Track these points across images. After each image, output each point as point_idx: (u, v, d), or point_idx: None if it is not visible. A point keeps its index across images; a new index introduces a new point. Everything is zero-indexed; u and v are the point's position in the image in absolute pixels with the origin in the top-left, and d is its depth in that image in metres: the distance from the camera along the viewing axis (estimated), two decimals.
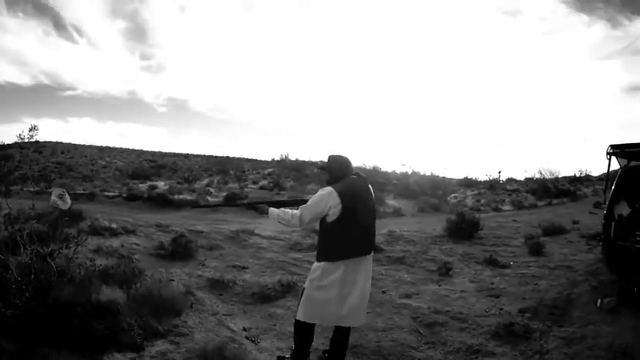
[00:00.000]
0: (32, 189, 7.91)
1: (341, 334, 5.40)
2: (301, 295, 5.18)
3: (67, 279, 7.31)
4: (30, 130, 7.25)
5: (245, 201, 6.37)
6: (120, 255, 10.33)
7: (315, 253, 5.22)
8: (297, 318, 5.15)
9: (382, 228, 14.29)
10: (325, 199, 4.72)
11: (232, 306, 8.04)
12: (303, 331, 5.32)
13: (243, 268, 10.25)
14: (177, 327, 6.52)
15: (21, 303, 6.44)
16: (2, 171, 7.61)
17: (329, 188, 4.78)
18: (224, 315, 7.50)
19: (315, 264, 5.11)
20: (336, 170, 5.15)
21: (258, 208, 5.58)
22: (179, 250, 10.70)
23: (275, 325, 7.34)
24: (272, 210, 5.20)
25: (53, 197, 7.58)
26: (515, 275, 9.72)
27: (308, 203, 4.88)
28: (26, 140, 7.30)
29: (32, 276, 6.87)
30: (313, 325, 5.29)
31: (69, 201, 8.01)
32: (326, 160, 5.26)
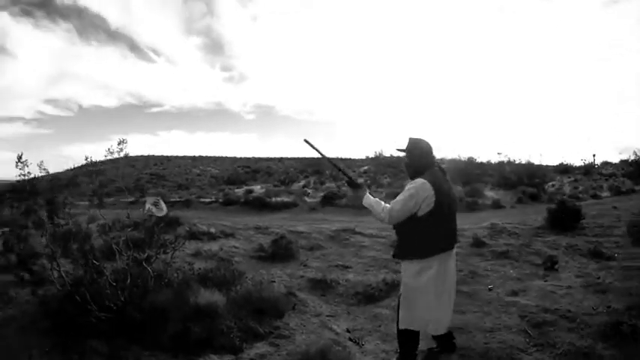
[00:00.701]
0: (127, 199, 8.04)
1: (447, 338, 5.18)
2: (398, 301, 4.89)
3: (165, 283, 7.33)
4: (119, 143, 7.34)
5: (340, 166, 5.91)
6: (219, 258, 10.34)
7: (396, 251, 4.95)
8: (400, 327, 4.86)
9: (483, 220, 13.63)
10: (419, 193, 4.36)
11: (335, 307, 7.70)
12: (408, 338, 4.99)
13: (346, 267, 9.88)
14: (278, 329, 6.29)
15: (116, 307, 6.48)
16: (95, 184, 7.79)
17: (421, 180, 4.42)
18: (327, 316, 7.16)
19: (405, 264, 4.80)
20: (418, 158, 4.72)
21: (353, 183, 5.10)
22: (280, 252, 10.55)
23: (380, 326, 6.89)
24: (368, 197, 4.83)
25: (147, 205, 7.80)
26: (620, 268, 8.74)
27: (398, 198, 4.50)
28: (115, 154, 7.33)
29: (128, 281, 6.94)
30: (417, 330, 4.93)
31: (164, 208, 8.06)
32: (406, 144, 4.80)
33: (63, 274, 6.83)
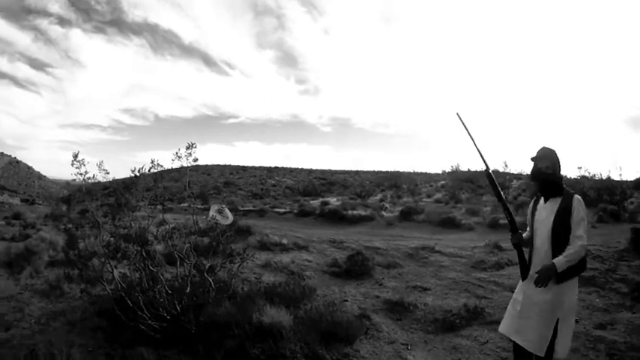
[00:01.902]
0: (195, 206, 7.86)
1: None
2: (556, 327, 4.49)
3: (228, 295, 7.04)
4: (187, 147, 7.12)
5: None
6: (290, 271, 10.02)
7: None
8: (562, 357, 4.50)
9: None
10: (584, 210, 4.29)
11: (412, 334, 7.07)
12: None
13: (425, 289, 9.19)
14: (347, 356, 5.80)
15: (170, 316, 6.22)
16: (160, 188, 7.63)
17: (577, 197, 4.30)
18: (402, 344, 6.57)
19: (571, 283, 4.46)
20: (559, 169, 4.44)
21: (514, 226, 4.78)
22: (355, 268, 10.03)
23: (460, 359, 6.22)
24: (559, 261, 4.18)
25: (212, 212, 7.60)
26: None
27: (581, 227, 4.24)
28: (184, 158, 7.13)
29: (187, 289, 6.67)
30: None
31: (230, 216, 7.77)
32: (542, 154, 4.46)
33: (117, 277, 6.70)
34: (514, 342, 4.80)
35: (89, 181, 6.72)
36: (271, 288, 7.61)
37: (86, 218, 7.11)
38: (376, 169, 54.62)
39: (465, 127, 4.64)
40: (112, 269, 6.63)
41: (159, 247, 7.83)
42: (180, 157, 7.14)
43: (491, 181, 4.84)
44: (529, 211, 4.85)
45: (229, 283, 7.54)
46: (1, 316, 7.41)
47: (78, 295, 8.07)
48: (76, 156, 6.61)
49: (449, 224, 17.48)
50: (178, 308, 6.45)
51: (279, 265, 10.18)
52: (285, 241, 12.50)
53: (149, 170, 7.11)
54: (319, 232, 15.61)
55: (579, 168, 26.46)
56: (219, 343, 5.48)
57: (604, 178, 25.12)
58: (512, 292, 8.76)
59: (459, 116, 4.65)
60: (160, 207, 7.47)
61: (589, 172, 26.05)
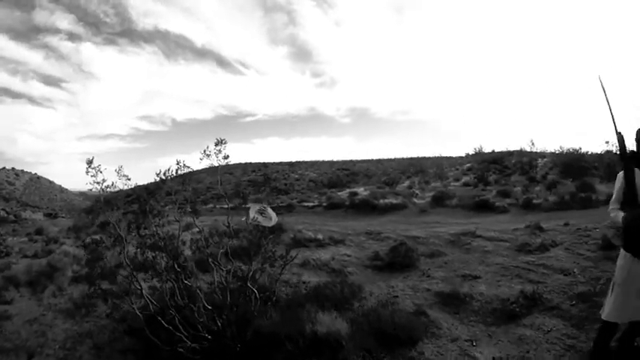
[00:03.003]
0: (226, 206, 7.44)
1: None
2: (611, 289, 4.62)
3: (272, 303, 6.66)
4: (216, 144, 6.80)
5: None
6: (331, 269, 9.68)
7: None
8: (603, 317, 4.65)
9: (604, 219, 11.73)
10: None
11: (473, 327, 6.70)
12: (604, 331, 4.83)
13: (475, 277, 8.78)
14: None
15: (211, 336, 5.84)
16: (188, 190, 7.27)
17: None
18: (466, 341, 6.23)
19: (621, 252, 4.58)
20: None
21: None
22: (398, 260, 9.64)
23: (528, 352, 5.89)
24: None
25: (252, 213, 7.14)
26: None
27: None
28: (213, 155, 6.84)
29: (228, 300, 6.29)
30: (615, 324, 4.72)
31: (273, 217, 7.24)
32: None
33: (146, 294, 6.34)
34: (602, 328, 4.82)
35: (108, 189, 6.48)
36: (316, 290, 7.27)
37: (107, 231, 6.72)
38: (398, 157, 53.87)
39: (604, 90, 4.43)
40: (140, 285, 6.32)
41: (188, 252, 7.43)
42: (209, 155, 6.83)
43: (621, 145, 4.64)
44: (620, 184, 4.65)
45: (272, 289, 7.19)
46: (23, 342, 7.12)
47: (105, 314, 7.75)
48: (90, 162, 6.30)
49: (482, 207, 16.99)
50: (219, 324, 6.11)
51: (319, 263, 9.87)
52: (320, 236, 12.14)
53: (176, 172, 6.79)
54: (353, 224, 15.21)
55: (607, 142, 25.68)
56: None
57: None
58: (564, 274, 8.51)
59: (600, 80, 4.45)
60: (189, 210, 7.13)
61: (616, 146, 25.19)
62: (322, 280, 8.67)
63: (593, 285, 7.60)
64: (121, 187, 6.61)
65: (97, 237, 7.66)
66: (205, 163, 6.94)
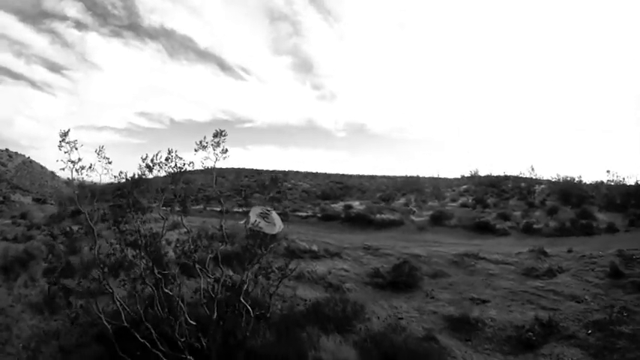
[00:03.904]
0: (218, 208, 6.75)
1: None
2: None
3: (265, 320, 6.05)
4: (215, 135, 6.19)
5: None
6: (327, 283, 9.07)
7: None
8: None
9: (607, 247, 11.08)
10: None
11: (489, 356, 6.22)
12: None
13: (484, 301, 8.24)
14: None
15: (194, 357, 5.15)
16: (178, 188, 6.55)
17: None
18: None
19: None
20: None
21: None
22: (401, 279, 9.04)
23: None
24: None
25: (254, 217, 6.44)
26: None
27: None
28: (210, 147, 6.19)
29: (214, 314, 5.60)
30: None
31: (277, 222, 6.57)
32: None
33: (117, 299, 5.61)
34: None
35: (84, 172, 5.82)
36: (315, 308, 6.64)
37: (80, 222, 5.99)
38: (391, 174, 53.53)
39: None
40: (111, 288, 5.60)
41: (172, 254, 6.74)
42: (205, 147, 6.18)
43: None
44: None
45: (266, 305, 6.48)
46: None
47: (69, 319, 6.97)
48: (65, 134, 5.60)
49: (482, 229, 16.50)
50: (204, 343, 5.45)
51: (315, 277, 9.30)
52: (315, 247, 11.54)
53: (166, 160, 6.12)
54: (348, 238, 14.62)
55: (608, 172, 25.48)
56: None
57: (631, 183, 24.12)
58: (577, 302, 8.10)
59: None
60: (177, 208, 6.48)
61: (617, 176, 25.02)
62: (319, 296, 8.07)
63: (608, 313, 7.25)
64: (100, 171, 5.99)
65: (68, 228, 6.98)
66: (200, 160, 6.28)
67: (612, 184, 24.69)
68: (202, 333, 5.46)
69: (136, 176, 6.21)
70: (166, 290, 5.77)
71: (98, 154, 5.93)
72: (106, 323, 5.44)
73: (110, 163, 5.99)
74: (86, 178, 5.95)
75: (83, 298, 6.31)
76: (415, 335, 6.24)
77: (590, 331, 6.76)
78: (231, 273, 6.68)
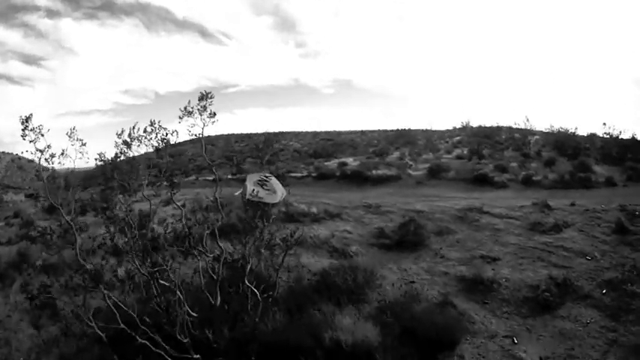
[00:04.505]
0: (211, 178, 6.25)
1: None
2: None
3: (272, 298, 5.64)
4: (200, 98, 5.66)
5: None
6: (332, 248, 8.71)
7: None
8: None
9: (610, 201, 11.11)
10: None
11: (508, 320, 6.00)
12: None
13: (494, 259, 7.98)
14: None
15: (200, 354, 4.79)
16: (165, 161, 6.01)
17: None
18: (505, 337, 5.56)
19: None
20: None
21: None
22: (407, 238, 8.71)
23: (573, 348, 5.36)
24: None
25: (250, 186, 5.81)
26: None
27: None
28: (196, 112, 5.66)
29: (218, 300, 5.24)
30: None
31: (279, 189, 5.96)
32: None
33: (110, 300, 5.17)
34: None
35: (54, 160, 5.32)
36: (324, 278, 6.30)
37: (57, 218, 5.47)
38: (381, 128, 52.95)
39: None
40: (105, 294, 5.16)
41: (163, 230, 6.25)
42: (191, 113, 5.65)
43: None
44: None
45: (271, 281, 6.07)
46: None
47: (73, 313, 6.51)
48: (26, 120, 5.05)
49: (481, 181, 16.18)
50: (209, 335, 5.07)
51: (317, 241, 8.94)
52: (314, 209, 11.13)
53: (145, 133, 5.65)
54: (347, 196, 14.26)
55: (604, 124, 25.19)
56: None
57: (629, 137, 23.89)
58: (587, 258, 7.89)
59: None
60: (165, 183, 5.97)
61: (613, 130, 24.78)
62: (324, 262, 7.72)
63: (620, 272, 7.08)
64: (74, 157, 5.45)
65: (44, 226, 6.44)
66: (187, 127, 5.74)
67: (607, 136, 24.54)
68: (207, 324, 5.06)
69: (116, 156, 5.71)
70: (162, 282, 5.31)
71: (70, 137, 5.39)
72: (98, 332, 5.04)
73: (84, 145, 5.45)
74: (59, 166, 5.45)
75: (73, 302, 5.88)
76: (431, 300, 5.96)
77: (604, 291, 6.63)
78: (230, 248, 6.22)
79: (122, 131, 5.66)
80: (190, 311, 5.10)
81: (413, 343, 4.73)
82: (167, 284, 5.24)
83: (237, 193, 6.29)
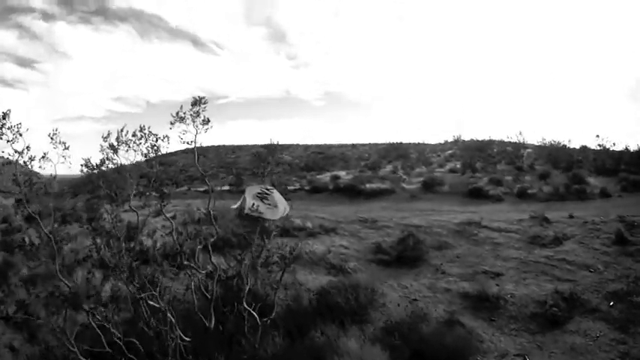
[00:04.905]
0: (203, 189, 5.95)
1: None
2: None
3: (270, 319, 5.35)
4: (193, 104, 5.36)
5: None
6: (329, 264, 8.47)
7: None
8: None
9: (607, 212, 10.91)
10: None
11: (517, 337, 5.85)
12: None
13: (497, 274, 7.81)
14: None
15: None
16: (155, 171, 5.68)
17: None
18: (515, 355, 5.41)
19: None
20: None
21: None
22: (406, 254, 8.50)
23: None
24: None
25: (250, 199, 5.44)
26: None
27: None
28: (188, 118, 5.35)
29: (212, 322, 4.93)
30: None
31: (280, 204, 5.55)
32: None
33: (89, 314, 4.85)
34: None
35: (33, 162, 4.96)
36: (324, 298, 6.06)
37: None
38: (372, 142, 52.89)
39: None
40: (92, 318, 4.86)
41: (152, 243, 5.92)
42: (183, 119, 5.35)
43: None
44: None
45: (268, 300, 5.81)
46: None
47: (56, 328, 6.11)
48: (3, 117, 4.71)
49: (476, 195, 16.06)
50: None
51: (314, 257, 8.71)
52: (309, 224, 10.93)
53: (133, 137, 5.34)
54: (341, 210, 14.07)
55: (597, 136, 25.30)
56: None
57: (622, 149, 23.99)
58: (590, 271, 7.74)
59: None
60: (154, 194, 5.66)
61: (607, 141, 24.86)
62: (322, 280, 7.50)
63: (624, 283, 7.03)
64: (56, 161, 5.12)
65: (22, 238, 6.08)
66: (178, 134, 5.44)
67: (600, 148, 24.61)
68: (201, 349, 4.76)
69: (102, 162, 5.37)
70: (151, 302, 4.95)
71: (52, 140, 5.07)
72: (81, 358, 4.67)
73: (67, 148, 5.11)
74: (43, 171, 5.13)
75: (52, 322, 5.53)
76: (438, 320, 5.76)
77: (611, 303, 6.51)
78: (224, 264, 5.94)
79: (109, 134, 5.38)
80: (183, 336, 4.79)
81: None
82: (157, 305, 4.91)
83: (234, 207, 5.93)
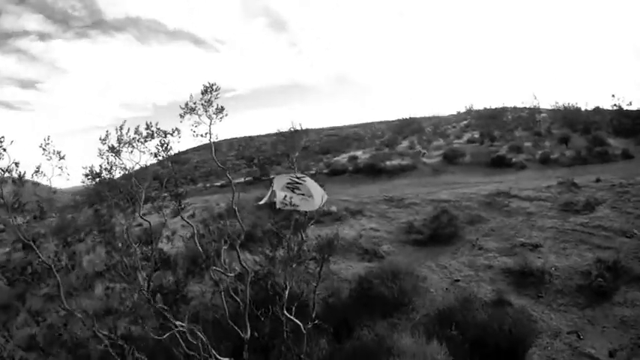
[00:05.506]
0: (219, 183, 5.67)
1: None
2: None
3: (311, 320, 4.93)
4: (204, 92, 4.94)
5: None
6: (362, 249, 8.35)
7: None
8: None
9: (634, 175, 10.57)
10: None
11: (567, 313, 5.72)
12: None
13: (536, 246, 7.64)
14: None
15: None
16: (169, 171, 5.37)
17: None
18: (569, 333, 5.27)
19: None
20: None
21: None
22: (442, 232, 8.35)
23: (639, 337, 5.04)
24: None
25: (280, 191, 4.93)
26: None
27: None
28: (199, 107, 4.96)
29: (247, 333, 4.60)
30: None
31: (316, 193, 5.04)
32: None
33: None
34: None
35: (24, 179, 4.55)
36: (364, 289, 5.88)
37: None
38: (385, 119, 52.32)
39: None
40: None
41: (169, 248, 5.60)
42: (194, 110, 4.94)
43: None
44: None
45: (307, 300, 5.48)
46: None
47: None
48: None
49: (499, 164, 15.80)
50: None
51: (345, 243, 8.43)
52: (333, 208, 10.74)
53: (136, 132, 5.00)
54: (364, 190, 13.93)
55: (613, 96, 24.69)
56: None
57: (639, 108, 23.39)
58: (627, 237, 7.56)
59: None
60: (166, 195, 5.35)
61: (622, 101, 24.30)
62: (357, 267, 7.39)
63: None
64: (51, 174, 4.71)
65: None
66: (190, 126, 5.04)
67: (617, 108, 24.07)
68: None
69: (101, 169, 5.01)
70: (178, 323, 4.55)
71: (44, 150, 4.67)
72: None
73: (62, 159, 4.68)
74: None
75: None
76: (485, 300, 5.65)
77: None
78: (248, 259, 5.60)
79: (107, 135, 4.99)
80: (218, 357, 4.47)
81: (483, 356, 4.38)
82: (184, 325, 4.55)
83: (262, 202, 5.33)
